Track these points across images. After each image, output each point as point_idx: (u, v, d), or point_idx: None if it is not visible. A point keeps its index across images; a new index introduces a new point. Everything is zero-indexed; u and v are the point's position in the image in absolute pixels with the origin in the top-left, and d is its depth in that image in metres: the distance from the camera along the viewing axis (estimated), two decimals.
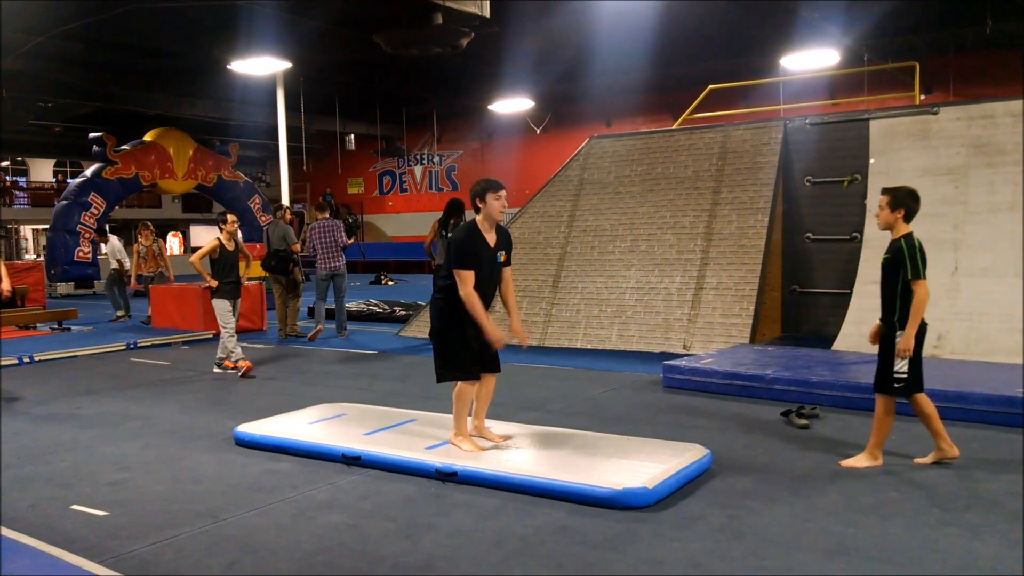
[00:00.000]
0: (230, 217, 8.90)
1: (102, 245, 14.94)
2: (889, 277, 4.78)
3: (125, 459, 5.37)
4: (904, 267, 4.67)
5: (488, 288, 5.05)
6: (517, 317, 5.30)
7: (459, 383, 5.07)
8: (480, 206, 5.02)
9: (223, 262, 8.61)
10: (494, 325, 4.99)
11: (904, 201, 4.80)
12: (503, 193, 5.03)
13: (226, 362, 8.66)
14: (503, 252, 5.12)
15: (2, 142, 24.16)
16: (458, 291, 4.89)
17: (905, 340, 4.68)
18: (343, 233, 11.32)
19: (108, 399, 7.39)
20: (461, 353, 5.04)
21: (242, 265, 8.88)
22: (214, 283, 8.56)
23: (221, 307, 8.61)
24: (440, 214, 9.63)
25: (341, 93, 23.18)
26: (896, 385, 4.75)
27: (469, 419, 5.22)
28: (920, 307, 4.65)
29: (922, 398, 4.82)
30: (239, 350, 8.62)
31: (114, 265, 14.29)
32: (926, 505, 4.19)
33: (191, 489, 4.72)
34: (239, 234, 9.20)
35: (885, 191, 4.91)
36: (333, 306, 11.52)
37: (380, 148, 29.42)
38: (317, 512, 4.27)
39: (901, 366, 4.72)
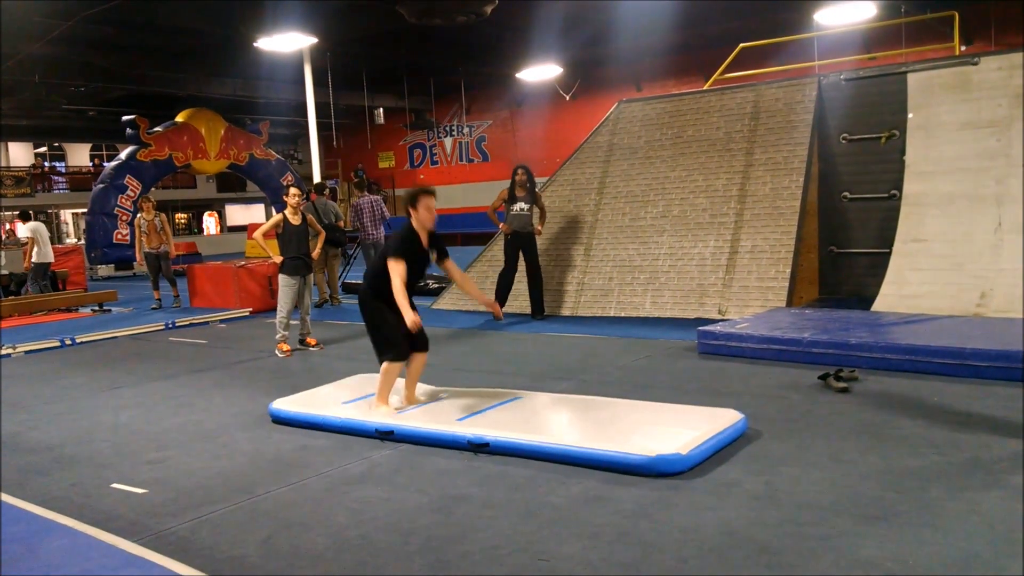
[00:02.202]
0: (292, 190, 8.52)
1: (18, 227, 14.24)
2: None
3: (164, 437, 5.45)
4: None
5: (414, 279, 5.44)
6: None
7: (388, 362, 5.41)
8: (411, 212, 5.38)
9: (287, 236, 8.29)
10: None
11: None
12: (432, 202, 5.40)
13: (308, 339, 8.59)
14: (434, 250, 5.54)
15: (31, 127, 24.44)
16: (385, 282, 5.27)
17: None
18: (384, 208, 12.76)
19: (147, 379, 7.51)
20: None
21: (318, 240, 8.88)
22: (278, 258, 8.33)
23: (283, 282, 8.36)
24: (508, 182, 10.07)
25: (368, 67, 23.10)
26: None
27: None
28: None
29: None
30: (284, 332, 8.37)
31: (34, 256, 13.60)
32: (969, 468, 4.09)
33: (228, 466, 4.77)
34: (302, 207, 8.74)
35: None
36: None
37: (409, 121, 29.35)
38: (351, 486, 4.29)
39: None
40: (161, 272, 12.50)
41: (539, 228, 9.98)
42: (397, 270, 5.23)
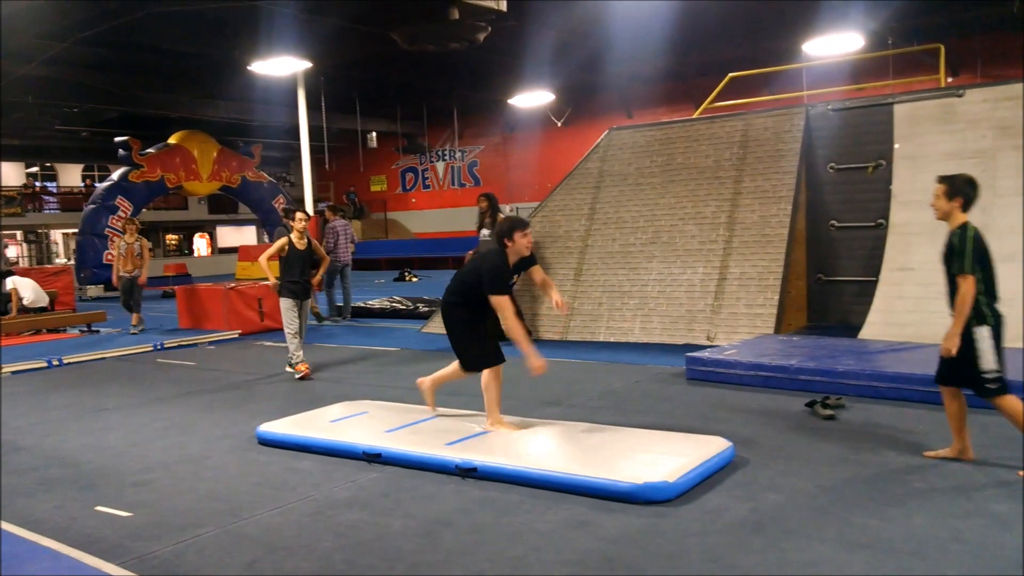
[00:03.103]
0: (298, 214, 8.37)
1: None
2: (949, 268, 4.48)
3: (150, 460, 5.42)
4: (955, 258, 4.40)
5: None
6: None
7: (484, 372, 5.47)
8: (508, 243, 5.40)
9: (290, 260, 8.19)
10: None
11: (962, 189, 4.49)
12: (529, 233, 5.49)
13: (300, 366, 8.35)
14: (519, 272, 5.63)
15: (23, 147, 24.47)
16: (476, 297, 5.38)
17: (950, 339, 4.40)
18: (353, 232, 13.68)
19: (134, 400, 7.47)
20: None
21: (322, 264, 8.70)
22: (273, 281, 8.26)
23: (284, 305, 8.25)
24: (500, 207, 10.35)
25: (361, 91, 23.25)
26: (990, 387, 4.38)
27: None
28: (963, 303, 4.32)
29: (959, 393, 4.59)
30: (300, 353, 8.26)
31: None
32: (953, 496, 4.12)
33: (214, 489, 4.75)
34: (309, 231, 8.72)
35: (942, 179, 4.61)
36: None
37: (402, 145, 29.49)
38: (337, 510, 4.28)
39: (985, 364, 4.35)
40: (131, 297, 12.05)
41: None
42: (507, 306, 5.32)
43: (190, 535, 4.00)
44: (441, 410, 6.06)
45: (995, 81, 9.95)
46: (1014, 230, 7.94)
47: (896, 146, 8.99)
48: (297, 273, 8.23)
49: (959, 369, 4.48)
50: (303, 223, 8.29)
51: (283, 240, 8.28)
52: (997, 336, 4.41)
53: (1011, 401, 4.42)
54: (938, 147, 8.67)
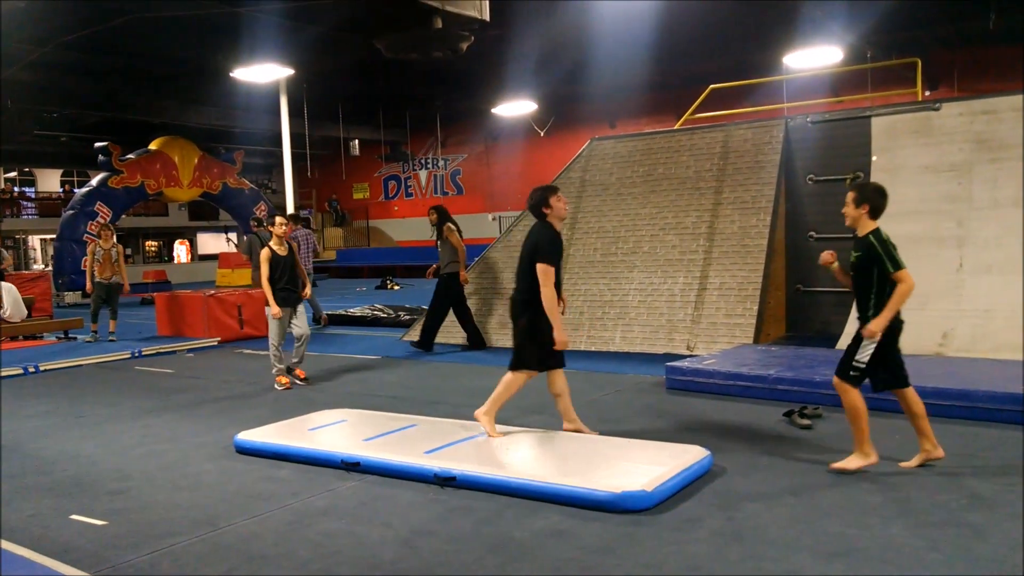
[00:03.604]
0: (278, 219, 8.18)
1: None
2: (861, 274, 4.69)
3: (126, 468, 5.37)
4: (880, 262, 4.59)
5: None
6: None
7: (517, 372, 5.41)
8: (546, 211, 5.40)
9: (275, 268, 7.94)
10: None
11: (869, 197, 4.73)
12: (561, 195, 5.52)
13: (297, 371, 8.26)
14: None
15: (0, 152, 24.25)
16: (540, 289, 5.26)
17: (877, 322, 4.58)
18: (315, 242, 14.40)
19: (111, 408, 7.40)
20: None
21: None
22: (276, 310, 7.86)
23: (271, 316, 8.01)
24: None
25: (344, 98, 23.24)
26: (852, 373, 4.66)
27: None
28: (903, 297, 4.54)
29: (910, 394, 4.73)
30: (280, 365, 8.09)
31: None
32: (928, 505, 4.15)
33: (190, 497, 4.72)
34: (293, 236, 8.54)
35: (851, 187, 4.87)
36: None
37: (385, 153, 29.47)
38: (315, 519, 4.26)
39: (863, 355, 4.61)
40: (108, 304, 11.89)
41: (462, 274, 9.97)
42: (550, 276, 5.25)
43: (166, 544, 3.97)
44: (422, 419, 6.05)
45: (971, 95, 10.09)
46: (990, 242, 8.05)
47: (874, 159, 9.09)
48: (284, 280, 8.01)
49: (895, 369, 4.70)
50: (283, 228, 8.10)
51: (266, 252, 8.00)
52: (888, 335, 4.60)
53: (855, 396, 4.66)
54: (915, 160, 8.77)
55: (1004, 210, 8.11)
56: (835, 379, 4.77)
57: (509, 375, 5.47)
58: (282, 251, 8.07)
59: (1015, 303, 7.66)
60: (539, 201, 5.46)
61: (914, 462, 4.78)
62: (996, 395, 5.78)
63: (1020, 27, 17.10)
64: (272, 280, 7.93)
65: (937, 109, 8.85)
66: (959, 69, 19.31)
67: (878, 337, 4.61)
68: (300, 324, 8.16)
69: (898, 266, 4.54)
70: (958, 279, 8.07)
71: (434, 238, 10.34)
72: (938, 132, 8.72)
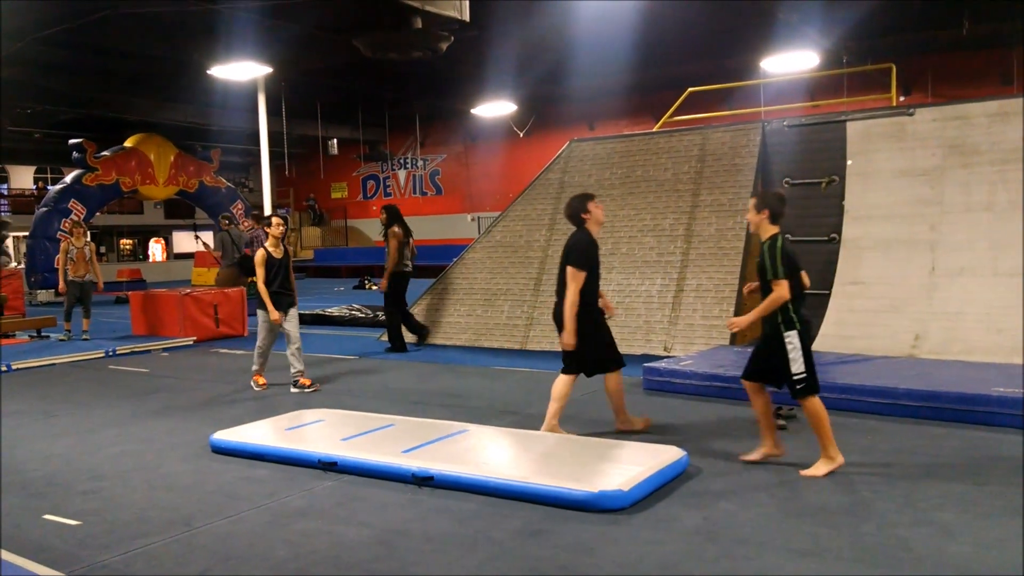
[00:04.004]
0: (275, 219, 7.88)
1: None
2: (763, 278, 4.82)
3: (100, 468, 5.33)
4: (763, 268, 4.76)
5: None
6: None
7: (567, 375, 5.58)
8: (585, 217, 5.55)
9: (271, 270, 7.64)
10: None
11: (768, 203, 4.89)
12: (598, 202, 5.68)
13: (302, 380, 7.83)
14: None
15: None
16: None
17: (740, 320, 4.95)
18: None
19: (85, 407, 7.33)
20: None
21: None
22: (276, 316, 7.57)
23: (262, 318, 7.74)
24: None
25: (323, 97, 23.11)
26: (799, 387, 4.72)
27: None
28: (772, 303, 4.71)
29: (763, 394, 4.94)
30: (257, 367, 7.96)
31: None
32: (900, 505, 4.21)
33: (165, 497, 4.68)
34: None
35: (753, 194, 5.09)
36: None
37: (363, 152, 29.35)
38: (292, 519, 4.25)
39: (795, 367, 4.70)
40: (81, 302, 11.73)
41: (382, 283, 10.14)
42: (578, 280, 5.38)
43: (140, 544, 3.94)
44: (399, 419, 6.04)
45: (945, 101, 10.24)
46: (962, 246, 8.16)
47: (849, 162, 9.19)
48: (278, 283, 7.68)
49: (770, 368, 4.87)
50: (280, 229, 7.81)
51: (261, 254, 7.69)
52: (804, 340, 4.75)
53: (814, 403, 4.75)
54: (889, 164, 8.88)
55: (975, 214, 8.23)
56: (799, 401, 4.82)
57: (561, 378, 5.62)
58: (278, 253, 7.77)
59: (985, 305, 7.78)
60: (577, 208, 5.62)
61: (754, 456, 4.98)
62: (965, 396, 5.86)
63: (993, 34, 17.37)
64: (266, 282, 7.62)
65: (911, 115, 8.96)
66: (933, 75, 19.55)
67: (743, 327, 4.99)
68: (292, 329, 7.84)
69: (776, 275, 4.69)
70: (931, 282, 8.18)
71: (381, 237, 10.49)
72: (912, 137, 8.84)
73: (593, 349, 5.57)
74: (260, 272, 7.65)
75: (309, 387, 7.82)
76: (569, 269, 5.43)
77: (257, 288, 7.86)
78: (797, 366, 4.70)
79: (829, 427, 4.77)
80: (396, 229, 10.18)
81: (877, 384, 6.27)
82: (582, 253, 5.48)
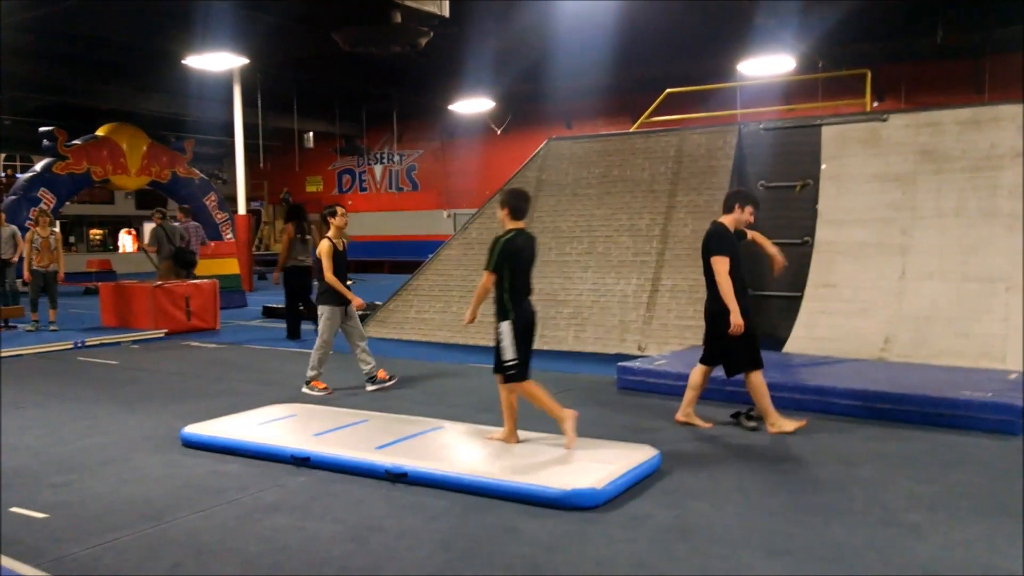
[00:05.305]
0: (339, 210, 7.57)
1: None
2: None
3: (69, 460, 5.26)
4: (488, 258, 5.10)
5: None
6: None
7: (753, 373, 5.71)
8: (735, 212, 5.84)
9: (337, 261, 7.35)
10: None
11: (507, 200, 5.27)
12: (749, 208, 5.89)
13: (380, 373, 7.47)
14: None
15: None
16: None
17: (468, 315, 5.30)
18: (203, 233, 15.35)
19: (54, 399, 7.23)
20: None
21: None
22: (360, 302, 7.44)
23: (327, 313, 7.38)
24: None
25: (299, 90, 22.94)
26: (511, 372, 5.10)
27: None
28: (480, 292, 5.19)
29: (526, 386, 5.15)
30: (321, 369, 7.41)
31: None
32: (869, 505, 4.27)
33: (135, 491, 4.63)
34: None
35: (500, 192, 5.42)
36: None
37: (339, 146, 29.17)
38: (264, 514, 4.22)
39: (506, 356, 5.09)
40: (46, 292, 11.65)
41: (275, 275, 11.47)
42: (725, 266, 5.56)
43: (109, 538, 3.89)
44: (373, 414, 6.02)
45: (917, 107, 10.37)
46: (932, 251, 8.27)
47: (823, 166, 9.28)
48: (342, 276, 7.40)
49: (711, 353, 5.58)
50: (344, 220, 7.54)
51: (327, 244, 7.33)
52: (525, 330, 5.16)
53: (529, 386, 5.13)
54: (863, 169, 8.98)
55: (946, 220, 8.35)
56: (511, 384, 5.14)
57: (748, 379, 5.73)
58: (340, 244, 7.50)
59: (954, 310, 7.90)
60: (734, 200, 5.88)
61: (497, 435, 5.26)
62: (934, 399, 5.95)
63: (966, 43, 17.65)
64: (334, 274, 7.29)
65: (884, 120, 9.07)
66: (906, 82, 19.82)
67: (470, 318, 5.46)
68: (358, 324, 7.56)
69: (487, 266, 5.13)
70: (901, 286, 8.29)
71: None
72: (885, 142, 8.95)
73: (748, 345, 5.74)
74: (328, 263, 7.28)
75: (389, 381, 7.44)
76: (714, 258, 5.67)
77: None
78: (509, 354, 5.07)
79: (547, 402, 5.09)
80: (289, 226, 10.80)
81: (848, 386, 6.34)
82: (722, 241, 5.73)
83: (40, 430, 6.09)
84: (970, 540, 3.80)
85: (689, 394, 6.02)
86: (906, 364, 7.44)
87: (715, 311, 5.75)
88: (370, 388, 7.39)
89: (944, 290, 8.05)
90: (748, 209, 5.85)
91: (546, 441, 5.23)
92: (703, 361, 6.01)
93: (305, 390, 7.34)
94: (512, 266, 5.08)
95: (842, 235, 8.87)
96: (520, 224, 5.23)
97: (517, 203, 5.24)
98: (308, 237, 10.84)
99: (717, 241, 5.72)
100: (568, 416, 5.02)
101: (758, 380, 5.72)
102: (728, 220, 5.86)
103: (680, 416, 6.02)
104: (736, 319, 5.56)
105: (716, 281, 5.64)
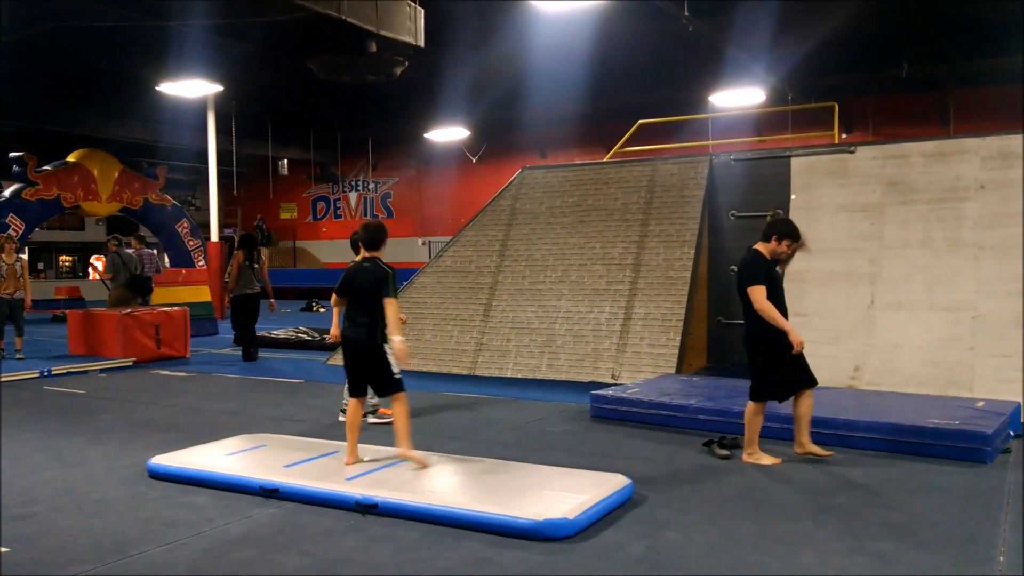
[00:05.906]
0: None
1: None
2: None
3: (32, 493, 5.15)
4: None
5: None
6: None
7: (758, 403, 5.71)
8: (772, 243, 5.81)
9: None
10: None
11: (359, 234, 5.82)
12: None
13: (381, 410, 7.16)
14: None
15: None
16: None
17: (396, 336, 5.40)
18: (158, 261, 15.68)
19: (17, 429, 7.08)
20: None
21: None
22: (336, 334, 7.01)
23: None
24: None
25: (274, 117, 22.94)
26: (396, 383, 5.50)
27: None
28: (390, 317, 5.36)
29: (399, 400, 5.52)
30: (375, 400, 7.09)
31: None
32: (839, 533, 4.29)
33: (99, 524, 4.54)
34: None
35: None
36: None
37: (314, 173, 29.12)
38: (231, 547, 4.15)
39: (397, 369, 5.51)
40: (12, 320, 11.39)
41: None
42: (762, 293, 5.55)
43: (72, 572, 3.81)
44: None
45: (885, 139, 10.57)
46: (899, 280, 8.39)
47: (793, 197, 9.41)
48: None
49: (376, 378, 5.63)
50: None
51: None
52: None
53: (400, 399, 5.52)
54: (831, 199, 9.11)
55: (912, 250, 8.48)
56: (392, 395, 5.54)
57: (751, 405, 5.72)
58: None
59: (920, 338, 8.00)
60: (774, 231, 5.86)
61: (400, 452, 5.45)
62: (903, 427, 6.01)
63: (931, 76, 18.05)
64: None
65: (852, 152, 9.23)
66: (873, 114, 20.20)
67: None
68: None
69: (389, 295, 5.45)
70: (870, 315, 8.39)
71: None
72: (853, 174, 9.09)
73: (781, 374, 5.66)
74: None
75: (390, 417, 6.92)
76: (751, 288, 5.62)
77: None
78: (396, 368, 5.51)
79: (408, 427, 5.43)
80: (239, 252, 11.13)
81: (818, 415, 6.36)
82: (754, 270, 5.69)
83: (3, 461, 5.96)
84: (938, 567, 3.82)
85: (796, 425, 5.84)
86: (875, 392, 7.51)
87: (752, 332, 5.74)
88: (371, 421, 7.04)
89: (912, 319, 8.16)
90: (785, 243, 5.81)
91: (517, 469, 5.20)
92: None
93: (371, 420, 7.04)
94: (344, 292, 5.60)
95: (812, 265, 8.95)
96: (372, 254, 5.57)
97: (365, 236, 5.64)
98: (256, 265, 11.23)
99: (750, 271, 5.70)
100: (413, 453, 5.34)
101: (761, 411, 5.74)
102: (764, 248, 5.86)
103: (797, 449, 5.84)
104: (795, 337, 5.54)
105: (755, 309, 5.62)
